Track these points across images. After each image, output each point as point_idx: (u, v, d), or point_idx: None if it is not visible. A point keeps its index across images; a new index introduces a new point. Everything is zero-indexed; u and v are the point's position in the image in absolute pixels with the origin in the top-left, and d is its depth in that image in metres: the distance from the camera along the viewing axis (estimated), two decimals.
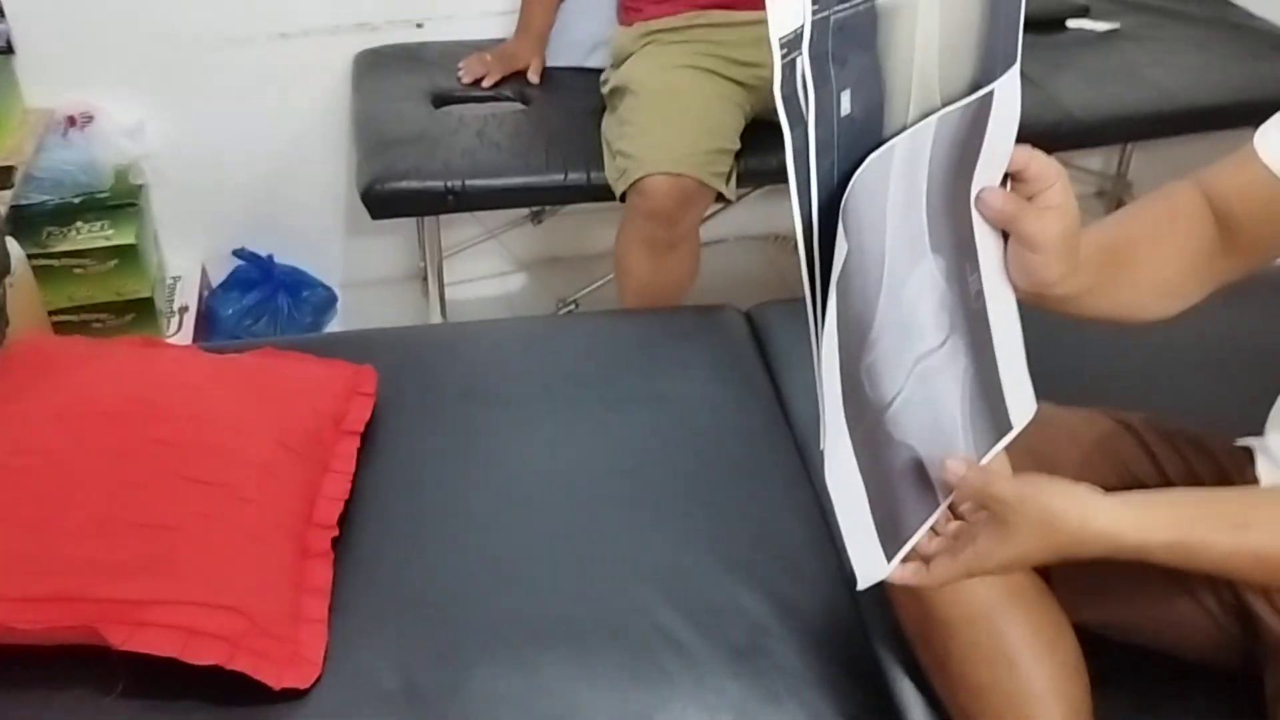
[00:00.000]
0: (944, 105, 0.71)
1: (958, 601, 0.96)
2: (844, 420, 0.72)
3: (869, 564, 0.76)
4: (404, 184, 1.80)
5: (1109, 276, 0.87)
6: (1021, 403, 0.84)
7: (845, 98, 0.64)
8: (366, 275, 2.42)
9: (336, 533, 1.14)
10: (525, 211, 2.34)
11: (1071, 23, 2.31)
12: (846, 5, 0.61)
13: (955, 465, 0.77)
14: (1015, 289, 0.81)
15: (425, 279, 2.10)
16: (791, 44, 0.60)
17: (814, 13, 0.59)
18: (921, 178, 0.71)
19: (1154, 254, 0.93)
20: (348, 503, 1.18)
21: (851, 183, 0.65)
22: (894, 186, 0.70)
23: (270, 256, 2.29)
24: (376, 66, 2.11)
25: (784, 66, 0.60)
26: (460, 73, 2.07)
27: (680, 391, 1.35)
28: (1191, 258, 0.95)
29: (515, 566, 1.14)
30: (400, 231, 2.33)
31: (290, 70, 2.16)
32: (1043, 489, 0.75)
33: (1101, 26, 2.29)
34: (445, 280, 2.30)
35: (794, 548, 1.17)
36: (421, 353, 1.41)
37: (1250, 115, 2.16)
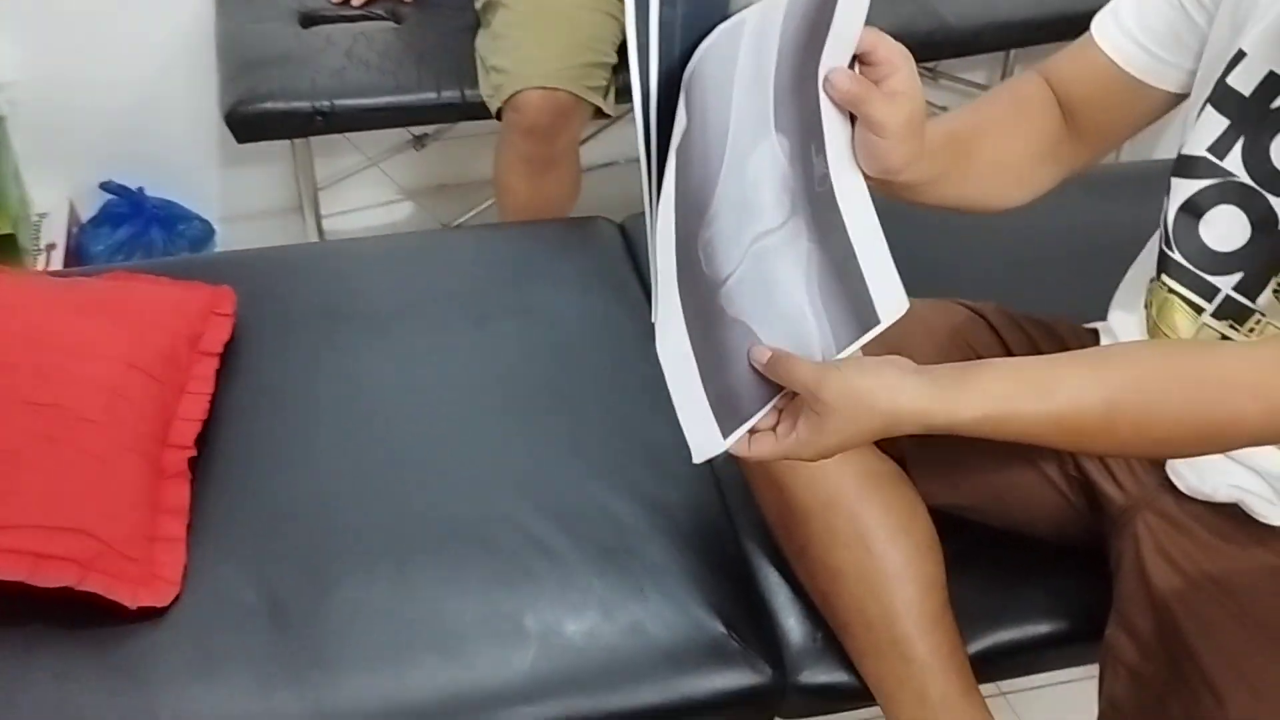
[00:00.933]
0: None
1: (814, 488, 0.98)
2: (677, 295, 0.72)
3: (704, 438, 0.76)
4: (269, 105, 1.74)
5: (956, 164, 0.88)
6: (889, 298, 0.83)
7: None
8: (245, 207, 2.34)
9: (193, 452, 1.11)
10: (407, 137, 2.29)
11: None
12: None
13: (758, 353, 0.76)
14: (864, 176, 0.81)
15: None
16: None
17: None
18: (771, 54, 0.70)
19: (1001, 142, 0.94)
20: (208, 423, 1.15)
21: (698, 53, 0.64)
22: (742, 60, 0.68)
23: (141, 189, 2.21)
24: None
25: None
26: None
27: (551, 304, 1.34)
28: (1038, 145, 0.96)
29: (379, 480, 1.12)
30: (279, 161, 2.25)
31: None
32: (849, 374, 0.74)
33: None
34: (328, 210, 2.25)
35: (663, 449, 1.17)
36: (285, 273, 1.38)
37: None
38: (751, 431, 0.79)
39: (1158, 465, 0.95)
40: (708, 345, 0.74)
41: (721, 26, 0.65)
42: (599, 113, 1.77)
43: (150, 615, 0.99)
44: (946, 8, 2.01)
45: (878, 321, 0.82)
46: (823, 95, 0.76)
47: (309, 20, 1.95)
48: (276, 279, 1.36)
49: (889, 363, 0.75)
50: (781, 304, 0.78)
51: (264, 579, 1.02)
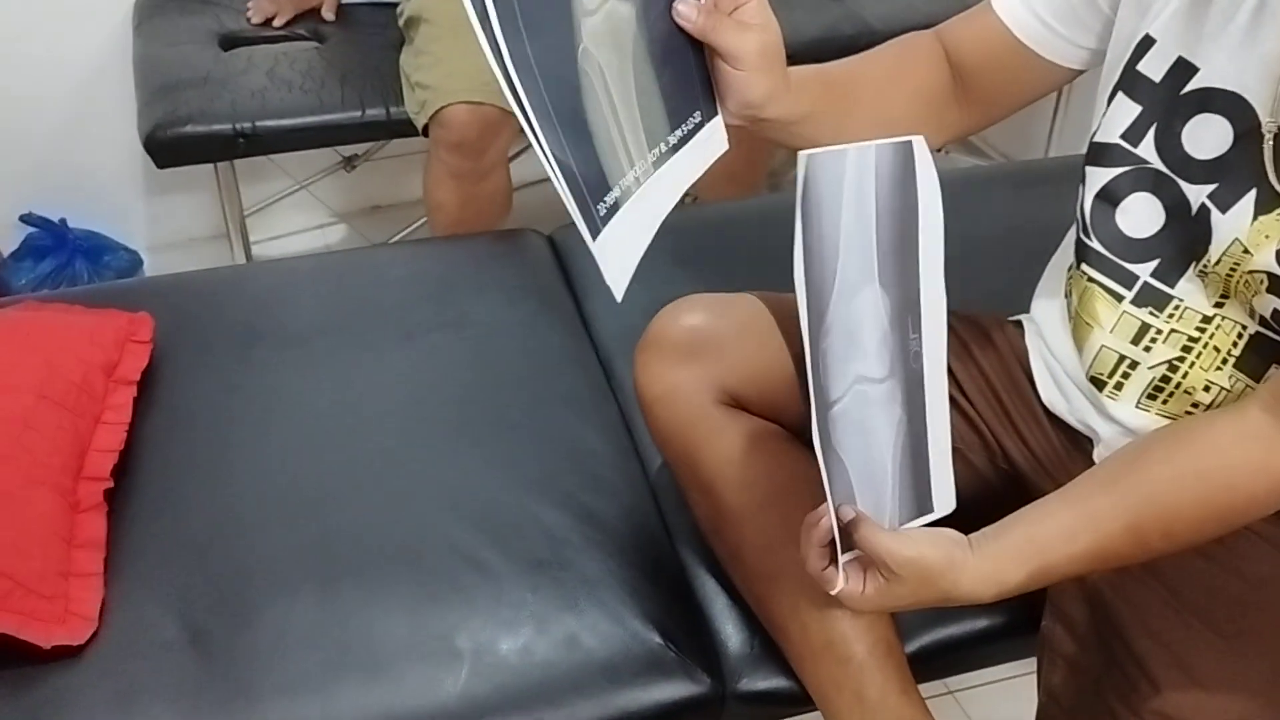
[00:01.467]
0: None
1: (747, 492, 0.97)
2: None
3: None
4: (189, 128, 1.71)
5: (828, 107, 0.87)
6: (944, 494, 0.86)
7: None
8: (173, 235, 2.30)
9: (110, 484, 1.07)
10: (337, 159, 2.26)
11: None
12: None
13: (845, 512, 0.79)
14: (728, 114, 0.81)
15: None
16: None
17: None
18: (871, 203, 0.72)
19: (881, 91, 0.93)
20: (125, 453, 1.12)
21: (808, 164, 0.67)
22: (847, 192, 0.71)
23: (64, 220, 2.16)
24: (159, 9, 1.99)
25: None
26: (249, 12, 1.97)
27: (480, 316, 1.32)
28: (923, 102, 0.95)
29: (302, 502, 1.09)
30: (207, 187, 2.21)
31: (64, 16, 2.02)
32: (921, 547, 0.79)
33: None
34: (258, 236, 2.22)
35: (596, 460, 1.16)
36: (205, 297, 1.35)
37: None
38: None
39: (1084, 453, 0.95)
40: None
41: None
42: None
43: (67, 654, 0.95)
44: (870, 11, 2.03)
45: (932, 510, 0.86)
46: (923, 282, 0.77)
47: (229, 42, 1.92)
48: (197, 303, 1.33)
49: (949, 539, 0.81)
50: (875, 456, 0.81)
51: (185, 610, 0.99)
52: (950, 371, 1.03)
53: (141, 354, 1.21)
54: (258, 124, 1.73)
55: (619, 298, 0.72)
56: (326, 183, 2.31)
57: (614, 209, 0.71)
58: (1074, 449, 0.96)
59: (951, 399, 1.01)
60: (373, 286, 1.37)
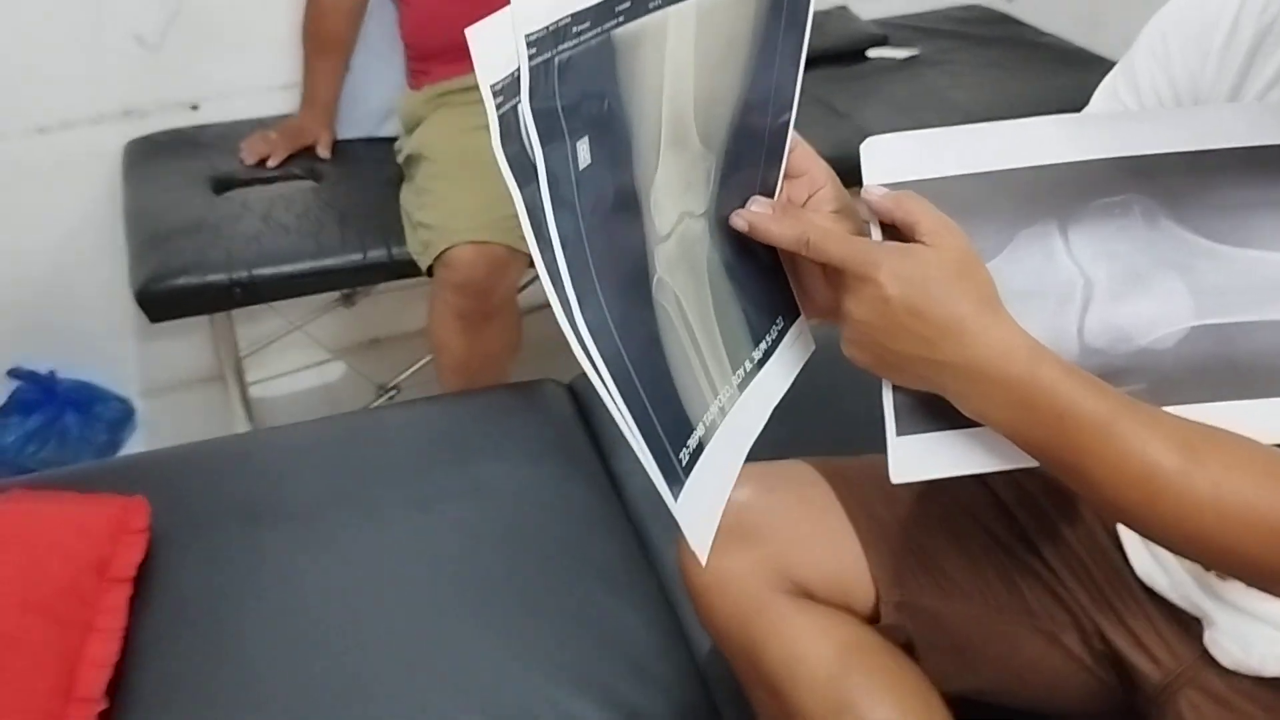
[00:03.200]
0: (701, 137, 0.64)
1: (820, 693, 0.86)
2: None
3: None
4: (182, 280, 1.64)
5: None
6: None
7: (583, 148, 0.54)
8: (167, 380, 2.21)
9: (104, 705, 0.97)
10: (334, 295, 2.19)
11: (871, 52, 2.30)
12: (573, 41, 0.51)
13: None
14: (813, 313, 0.76)
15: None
16: (507, 90, 0.49)
17: (531, 57, 0.49)
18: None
19: None
20: (122, 663, 1.01)
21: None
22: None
23: (52, 372, 2.07)
24: (149, 155, 1.94)
25: (501, 119, 0.50)
26: (242, 154, 1.91)
27: (501, 481, 1.23)
28: None
29: (318, 704, 0.98)
30: (200, 329, 2.13)
31: (53, 167, 1.96)
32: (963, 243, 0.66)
33: (901, 54, 2.29)
34: (255, 377, 2.13)
35: (638, 645, 1.06)
36: (204, 473, 1.25)
37: None
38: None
39: (1194, 637, 0.85)
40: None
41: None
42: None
43: None
44: (878, 128, 1.96)
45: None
46: None
47: (222, 185, 1.86)
48: (195, 481, 1.23)
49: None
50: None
51: None
52: (1034, 545, 0.94)
53: (137, 546, 1.11)
54: (254, 272, 1.65)
55: (704, 561, 0.62)
56: (325, 319, 2.23)
57: (697, 453, 0.63)
58: (1183, 632, 0.86)
59: (1037, 574, 0.92)
60: (382, 452, 1.28)
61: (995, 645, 0.91)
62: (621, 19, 0.54)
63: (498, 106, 0.49)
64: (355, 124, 1.99)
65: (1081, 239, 0.73)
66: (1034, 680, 0.92)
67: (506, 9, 0.48)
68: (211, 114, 2.04)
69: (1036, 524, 0.94)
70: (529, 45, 0.48)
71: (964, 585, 0.91)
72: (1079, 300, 0.72)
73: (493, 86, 0.48)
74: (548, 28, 0.49)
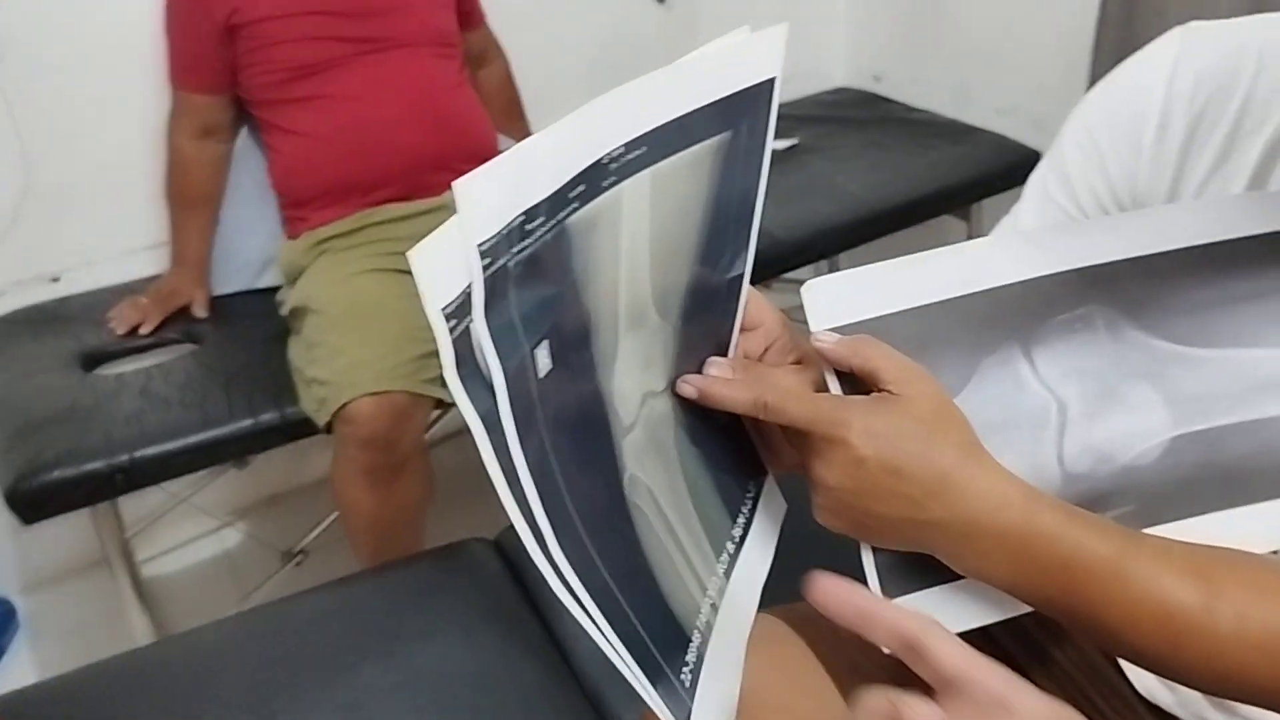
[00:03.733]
0: (658, 309, 0.58)
1: None
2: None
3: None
4: (56, 474, 1.49)
5: None
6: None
7: (542, 354, 0.48)
8: (50, 571, 2.03)
9: None
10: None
11: None
12: (527, 240, 0.45)
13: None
14: (779, 468, 0.71)
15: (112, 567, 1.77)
16: (459, 311, 0.42)
17: (485, 268, 0.42)
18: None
19: None
20: None
21: None
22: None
23: None
24: (9, 337, 1.79)
25: (454, 342, 0.43)
26: (112, 323, 1.78)
27: (437, 666, 1.12)
28: None
29: None
30: (82, 512, 1.97)
31: None
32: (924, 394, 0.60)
33: (781, 144, 2.29)
34: (146, 554, 1.98)
35: None
36: (101, 700, 1.11)
37: (939, 204, 2.20)
38: None
39: None
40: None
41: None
42: (440, 402, 1.60)
43: None
44: (771, 221, 1.95)
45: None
46: None
47: (92, 361, 1.73)
48: (92, 713, 1.09)
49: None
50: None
51: None
52: (1024, 673, 0.88)
53: None
54: (136, 454, 1.52)
55: None
56: (217, 483, 2.09)
57: (698, 666, 0.55)
58: None
59: None
60: (301, 650, 1.15)
61: None
62: (576, 205, 0.47)
63: (450, 330, 0.41)
64: (231, 278, 1.88)
65: (1047, 359, 0.68)
66: None
67: (449, 222, 0.41)
68: (74, 284, 1.91)
69: (1025, 651, 0.88)
70: (482, 256, 0.42)
71: None
72: (1054, 425, 0.68)
73: (443, 310, 0.41)
74: (500, 232, 0.42)
